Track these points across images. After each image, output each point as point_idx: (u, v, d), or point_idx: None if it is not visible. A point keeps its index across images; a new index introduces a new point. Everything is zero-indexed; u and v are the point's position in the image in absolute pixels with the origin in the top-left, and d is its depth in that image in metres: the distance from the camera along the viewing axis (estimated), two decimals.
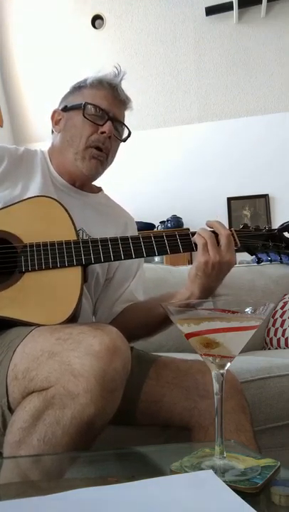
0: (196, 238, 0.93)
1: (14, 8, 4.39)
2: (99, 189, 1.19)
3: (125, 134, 1.12)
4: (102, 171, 1.09)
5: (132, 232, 1.19)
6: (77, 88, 1.09)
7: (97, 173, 1.08)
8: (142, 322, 1.06)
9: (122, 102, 1.08)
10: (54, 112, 1.11)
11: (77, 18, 4.33)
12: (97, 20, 4.35)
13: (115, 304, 1.11)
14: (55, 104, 1.14)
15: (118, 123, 1.08)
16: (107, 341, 0.70)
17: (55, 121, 1.11)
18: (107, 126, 1.03)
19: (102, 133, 1.03)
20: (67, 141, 1.06)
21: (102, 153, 1.05)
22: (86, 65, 4.50)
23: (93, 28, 4.36)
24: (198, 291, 0.92)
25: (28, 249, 0.89)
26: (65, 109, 1.09)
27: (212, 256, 0.90)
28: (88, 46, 4.42)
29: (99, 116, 1.04)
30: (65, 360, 0.69)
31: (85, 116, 1.03)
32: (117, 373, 0.69)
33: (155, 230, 4.31)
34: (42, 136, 4.65)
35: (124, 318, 1.08)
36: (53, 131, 1.12)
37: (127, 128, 1.10)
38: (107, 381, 0.68)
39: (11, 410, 0.76)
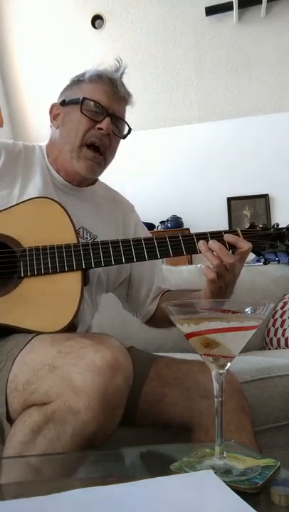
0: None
1: (14, 9, 4.38)
2: (95, 180, 1.15)
3: (125, 130, 1.07)
4: (101, 171, 1.07)
5: (134, 219, 1.16)
6: (76, 82, 1.06)
7: (94, 173, 1.05)
8: None
9: (122, 97, 1.04)
10: (52, 106, 1.08)
11: (77, 18, 4.33)
12: (97, 20, 4.35)
13: (147, 302, 1.12)
14: None
15: (118, 119, 1.03)
16: (109, 357, 0.68)
17: (54, 115, 1.07)
18: (105, 123, 0.99)
19: (100, 129, 0.99)
20: (64, 137, 1.03)
21: (98, 155, 1.01)
22: (86, 65, 4.50)
23: (93, 28, 4.36)
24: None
25: (28, 253, 0.87)
26: (64, 103, 1.05)
27: (222, 282, 0.89)
28: (88, 46, 4.41)
29: (97, 113, 1.00)
30: (66, 375, 0.68)
31: (82, 112, 0.99)
32: (119, 390, 0.68)
33: (155, 230, 4.30)
34: (42, 136, 4.63)
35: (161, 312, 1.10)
36: (51, 126, 1.08)
37: (127, 124, 1.06)
38: (108, 398, 0.66)
39: (10, 421, 0.75)
